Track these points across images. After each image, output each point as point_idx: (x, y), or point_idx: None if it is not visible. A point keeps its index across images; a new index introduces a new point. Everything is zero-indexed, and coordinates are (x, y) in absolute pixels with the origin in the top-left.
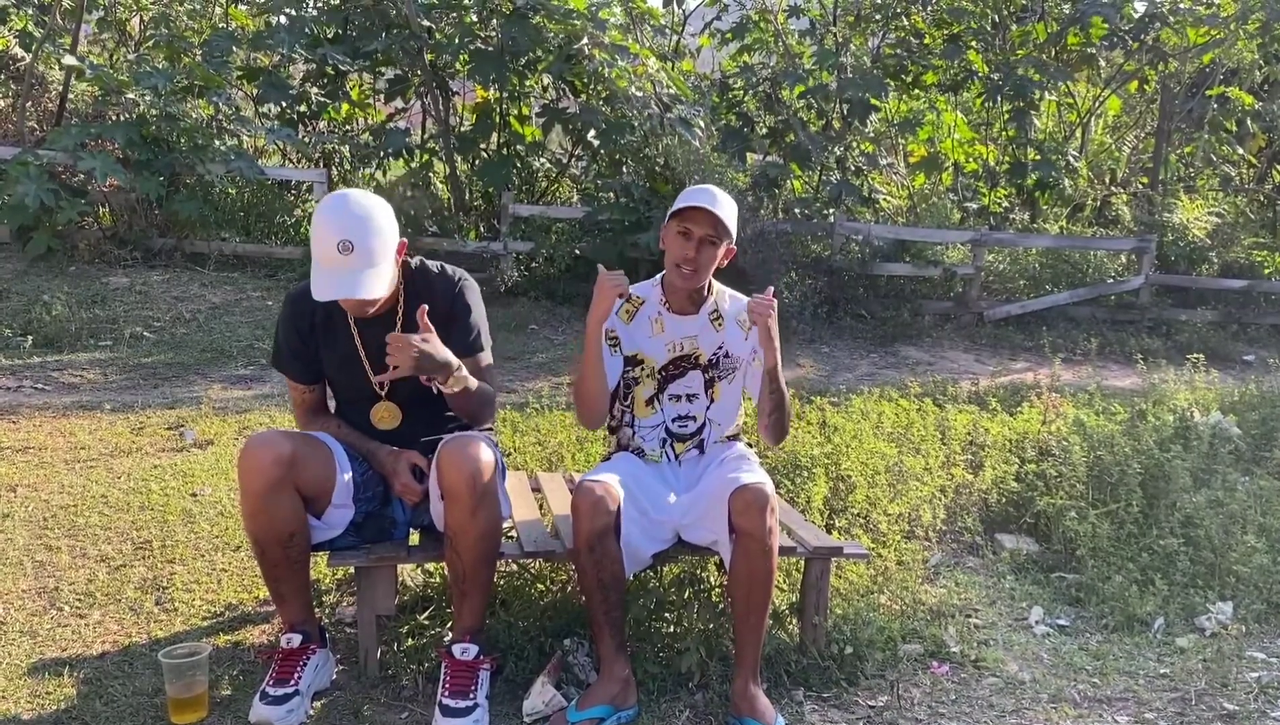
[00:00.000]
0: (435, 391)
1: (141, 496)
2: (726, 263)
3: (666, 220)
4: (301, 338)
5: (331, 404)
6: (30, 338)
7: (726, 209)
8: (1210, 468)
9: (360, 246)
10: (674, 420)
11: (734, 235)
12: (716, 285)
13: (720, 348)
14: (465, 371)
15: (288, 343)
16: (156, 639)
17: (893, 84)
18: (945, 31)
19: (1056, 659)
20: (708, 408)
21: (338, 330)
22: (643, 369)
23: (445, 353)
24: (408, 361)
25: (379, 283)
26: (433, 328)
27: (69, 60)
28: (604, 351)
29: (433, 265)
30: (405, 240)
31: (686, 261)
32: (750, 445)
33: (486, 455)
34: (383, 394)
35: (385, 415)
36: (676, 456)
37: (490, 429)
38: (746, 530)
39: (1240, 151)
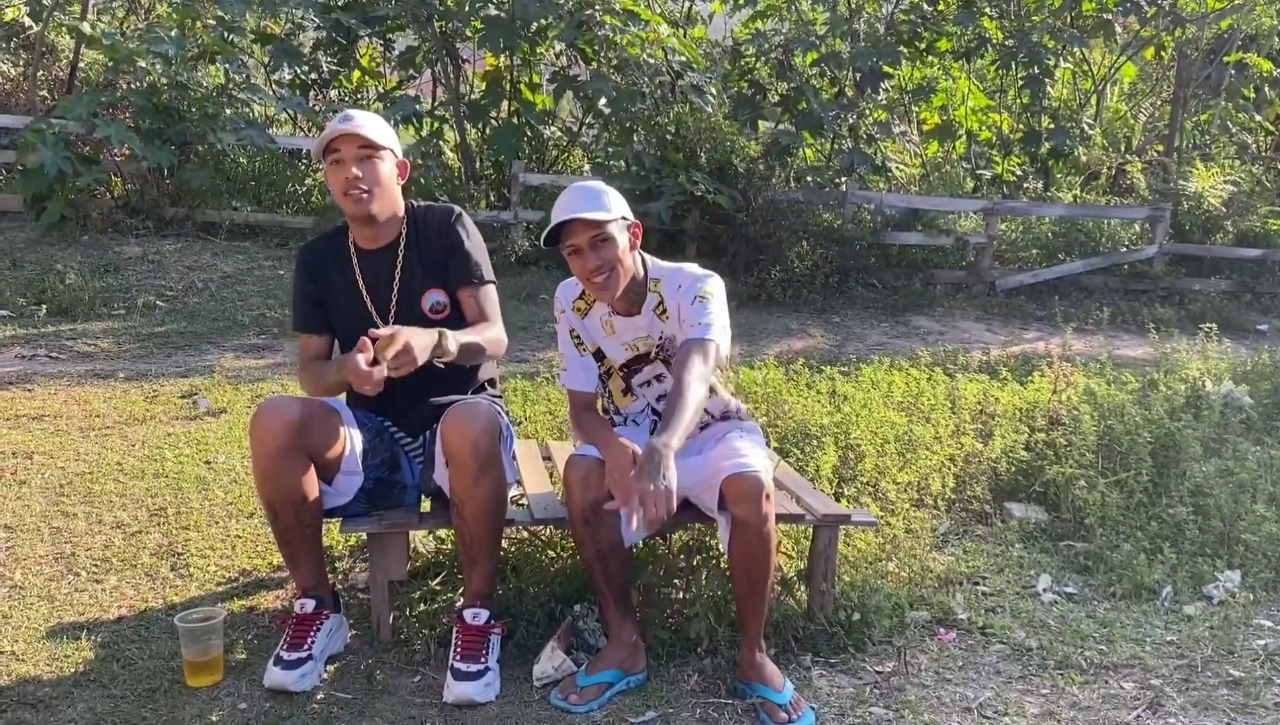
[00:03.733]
0: (431, 324)
1: (156, 464)
2: (639, 239)
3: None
4: (313, 280)
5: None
6: (44, 307)
7: (596, 200)
8: (1221, 437)
9: (361, 116)
10: (657, 399)
11: (624, 212)
12: (654, 269)
13: (662, 335)
14: (449, 336)
15: (302, 291)
16: (172, 604)
17: (906, 51)
18: None
19: (1064, 626)
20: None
21: (343, 268)
22: (607, 364)
23: (423, 336)
24: (409, 362)
25: (374, 137)
26: (389, 335)
27: (84, 26)
28: (576, 357)
29: (431, 204)
30: (407, 161)
31: (594, 273)
32: (753, 422)
33: (490, 421)
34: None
35: None
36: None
37: (500, 396)
38: (742, 519)
39: (1258, 119)
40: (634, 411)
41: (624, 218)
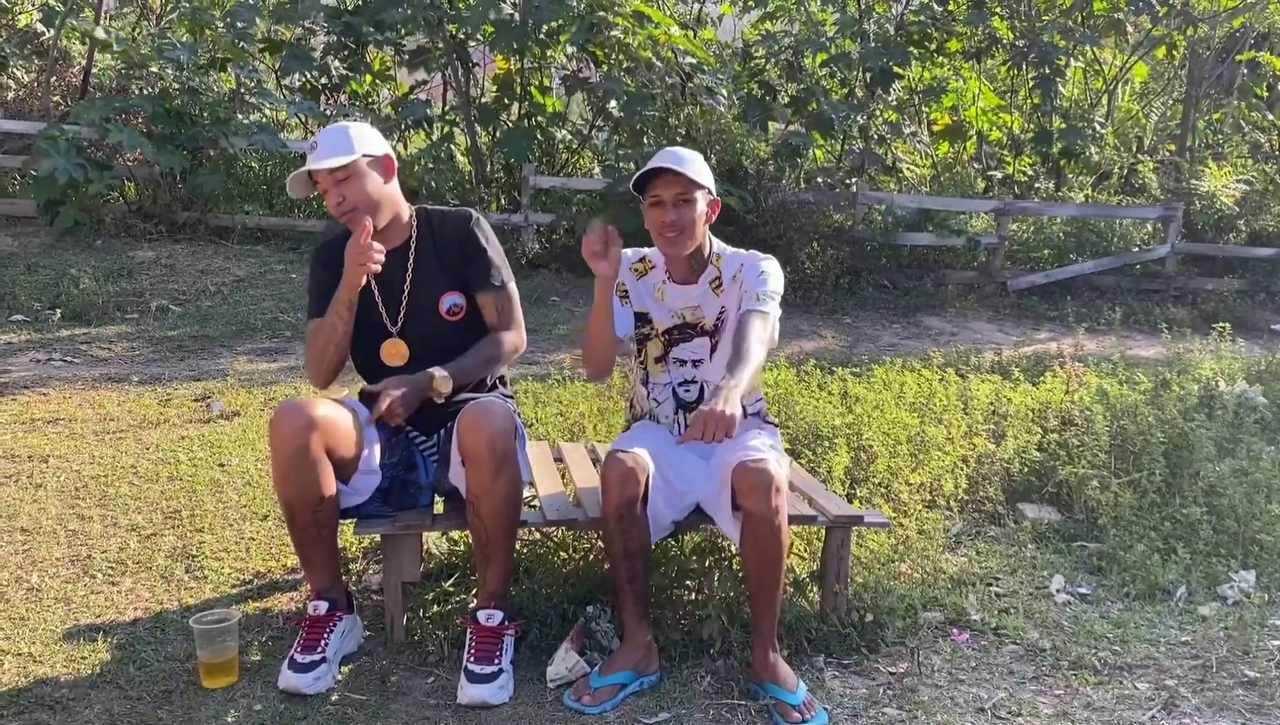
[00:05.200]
0: (447, 326)
1: (170, 467)
2: (715, 215)
3: (642, 201)
4: (329, 272)
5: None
6: (59, 311)
7: (692, 164)
8: (1235, 437)
9: (323, 141)
10: (680, 384)
11: (711, 186)
12: (718, 247)
13: (722, 312)
14: (439, 377)
15: (318, 282)
16: (187, 606)
17: (916, 51)
18: None
19: (1077, 627)
20: (706, 378)
21: None
22: (651, 328)
23: (415, 383)
24: (403, 411)
25: (336, 162)
26: (390, 395)
27: (98, 33)
28: (614, 302)
29: (446, 208)
30: (392, 157)
31: (667, 226)
32: (773, 422)
33: (506, 420)
34: (394, 332)
35: (393, 352)
36: (687, 425)
37: (511, 395)
38: (753, 512)
39: (1270, 118)
40: (661, 382)
41: (709, 190)
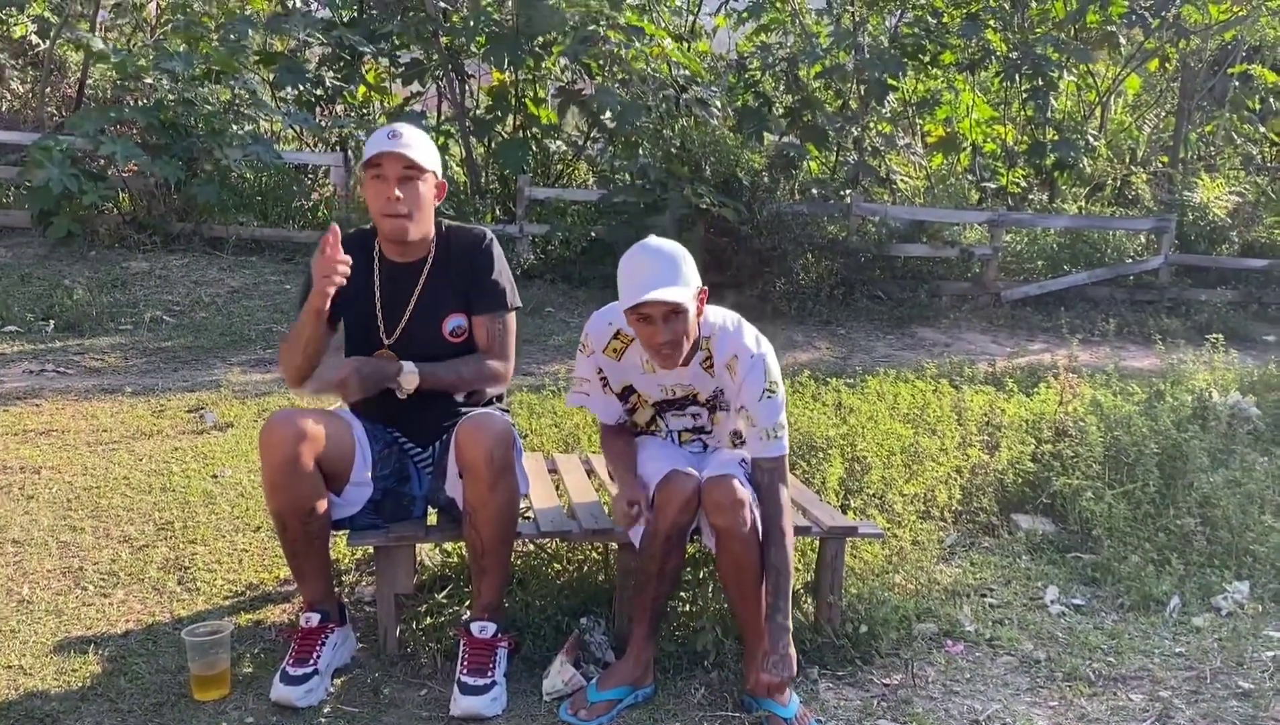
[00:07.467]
0: (449, 347)
1: (163, 478)
2: (704, 304)
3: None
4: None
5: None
6: (52, 322)
7: (675, 272)
8: (1228, 448)
9: (408, 134)
10: (680, 432)
11: (697, 281)
12: (704, 326)
13: (716, 390)
14: (407, 367)
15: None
16: (179, 618)
17: (910, 63)
18: (963, 10)
19: (1072, 638)
20: (711, 431)
21: (365, 269)
22: (638, 397)
23: (380, 368)
24: (358, 390)
25: (419, 158)
26: (350, 372)
27: (95, 44)
28: (599, 392)
29: (462, 225)
30: (445, 182)
31: (663, 346)
32: None
33: (504, 431)
34: (386, 343)
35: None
36: (679, 439)
37: (506, 409)
38: (720, 528)
39: (1262, 130)
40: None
41: (698, 287)
